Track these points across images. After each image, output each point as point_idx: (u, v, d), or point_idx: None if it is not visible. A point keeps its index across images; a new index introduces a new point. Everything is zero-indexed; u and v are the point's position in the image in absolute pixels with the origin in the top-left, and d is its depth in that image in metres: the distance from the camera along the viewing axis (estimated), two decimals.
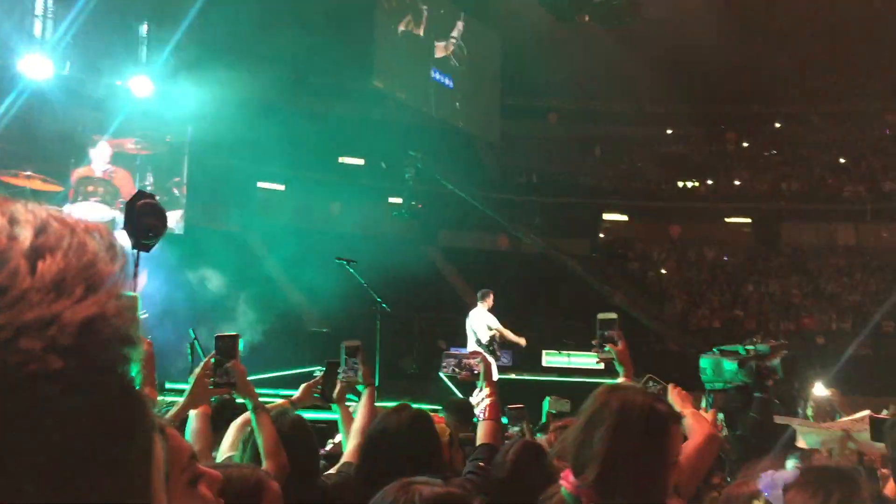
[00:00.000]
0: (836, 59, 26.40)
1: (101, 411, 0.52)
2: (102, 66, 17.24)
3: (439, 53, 25.90)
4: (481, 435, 3.36)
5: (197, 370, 3.05)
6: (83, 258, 0.55)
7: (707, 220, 28.54)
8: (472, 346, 11.20)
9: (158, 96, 17.26)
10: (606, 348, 3.24)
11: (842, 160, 29.18)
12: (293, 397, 3.79)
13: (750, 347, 4.69)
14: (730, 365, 4.61)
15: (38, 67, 15.38)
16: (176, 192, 18.02)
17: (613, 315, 3.32)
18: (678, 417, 1.96)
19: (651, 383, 3.43)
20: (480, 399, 3.50)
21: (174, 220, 16.66)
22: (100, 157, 17.29)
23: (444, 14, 26.01)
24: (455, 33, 26.12)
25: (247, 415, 3.30)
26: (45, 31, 17.18)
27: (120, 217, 16.95)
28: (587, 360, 12.93)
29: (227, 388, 3.05)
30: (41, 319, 0.51)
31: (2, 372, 0.49)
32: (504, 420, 5.69)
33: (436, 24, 25.78)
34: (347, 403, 3.93)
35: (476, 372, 3.56)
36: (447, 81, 26.29)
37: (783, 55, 26.32)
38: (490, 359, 11.18)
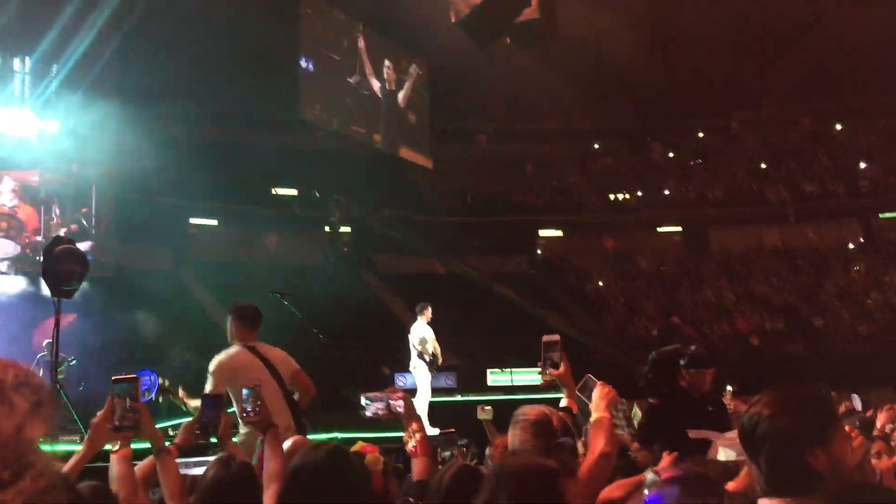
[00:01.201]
0: (750, 68, 27.37)
1: None
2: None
3: (402, 103, 26.15)
4: (414, 472, 3.26)
5: (98, 415, 2.92)
6: (10, 429, 0.55)
7: (639, 230, 29.12)
8: (413, 361, 11.24)
9: (67, 132, 17.01)
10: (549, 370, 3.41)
11: (763, 165, 30.15)
12: (175, 441, 3.33)
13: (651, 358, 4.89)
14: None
15: None
16: (85, 222, 17.63)
17: (556, 337, 3.47)
18: (572, 471, 2.22)
19: (589, 381, 3.50)
20: (411, 436, 3.34)
21: (85, 249, 16.63)
22: (3, 192, 16.96)
23: (403, 66, 26.20)
24: (409, 82, 26.34)
25: (145, 463, 3.16)
26: None
27: (35, 255, 16.56)
28: (530, 376, 13.04)
29: (129, 431, 2.92)
30: None
31: None
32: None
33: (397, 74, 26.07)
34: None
35: (396, 411, 3.36)
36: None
37: (700, 67, 27.18)
38: (427, 375, 11.23)
